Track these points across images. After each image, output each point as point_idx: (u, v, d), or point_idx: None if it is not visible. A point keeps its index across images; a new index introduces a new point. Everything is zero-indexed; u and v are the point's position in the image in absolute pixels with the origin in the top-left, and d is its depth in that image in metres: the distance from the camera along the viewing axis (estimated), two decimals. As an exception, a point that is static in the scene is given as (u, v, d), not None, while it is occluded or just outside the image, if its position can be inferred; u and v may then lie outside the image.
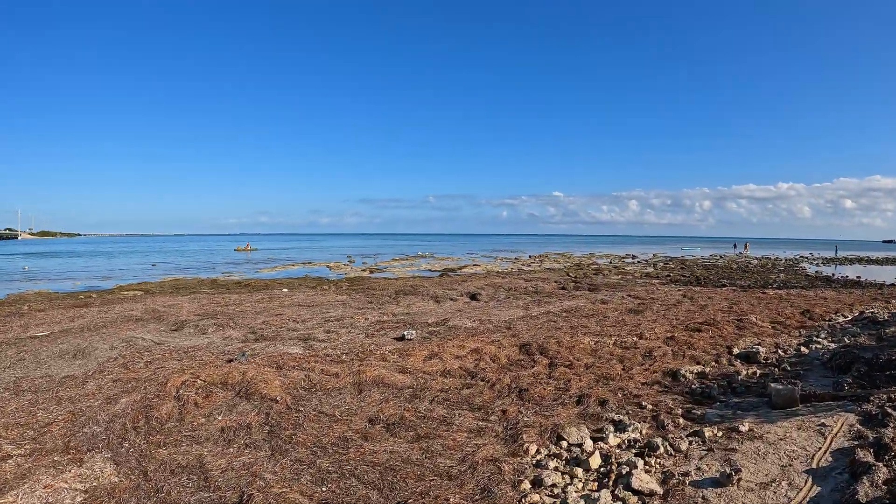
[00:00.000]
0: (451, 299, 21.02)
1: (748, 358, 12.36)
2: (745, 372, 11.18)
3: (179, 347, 11.77)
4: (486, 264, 49.11)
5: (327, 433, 6.91)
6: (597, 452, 7.28)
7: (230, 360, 10.31)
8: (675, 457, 7.10)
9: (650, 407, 9.17)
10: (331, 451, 6.35)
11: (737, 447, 7.19)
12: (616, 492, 6.21)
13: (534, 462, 7.16)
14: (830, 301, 20.95)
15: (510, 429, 8.21)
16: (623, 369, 11.59)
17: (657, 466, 6.85)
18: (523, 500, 6.16)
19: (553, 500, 6.23)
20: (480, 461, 6.84)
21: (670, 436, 7.81)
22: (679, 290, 25.29)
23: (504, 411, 8.83)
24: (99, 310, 17.21)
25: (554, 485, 6.53)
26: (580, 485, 6.54)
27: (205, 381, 8.53)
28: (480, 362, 11.09)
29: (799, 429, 7.71)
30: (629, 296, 22.91)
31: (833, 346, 12.97)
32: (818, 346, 13.07)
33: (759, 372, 11.19)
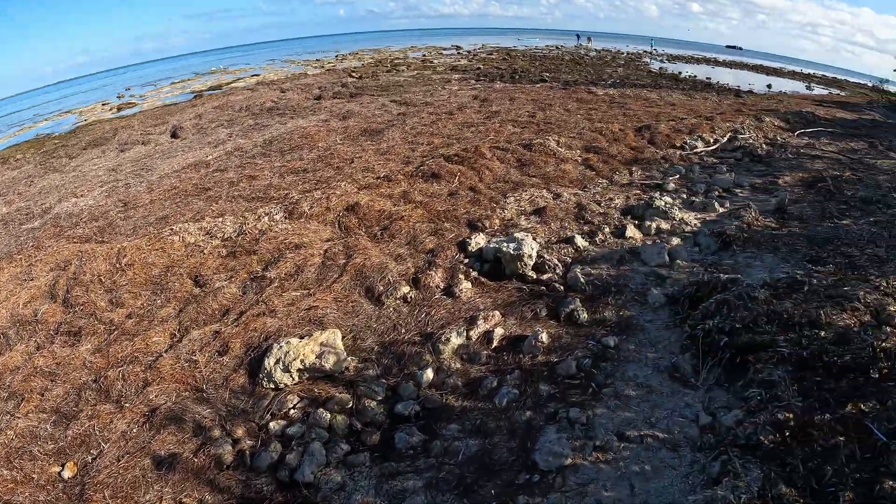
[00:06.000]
0: (142, 143, 17.86)
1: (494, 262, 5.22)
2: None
3: None
4: (272, 72, 43.33)
5: None
6: None
7: None
8: None
9: None
10: None
11: None
12: None
13: None
14: (680, 109, 16.09)
15: None
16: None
17: None
18: None
19: None
20: None
21: None
22: (474, 90, 20.59)
23: None
24: None
25: None
26: None
27: None
28: None
29: None
30: (393, 101, 18.81)
31: (697, 224, 6.23)
32: (662, 222, 6.16)
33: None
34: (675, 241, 5.97)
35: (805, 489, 2.95)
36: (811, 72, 50.92)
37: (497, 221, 6.66)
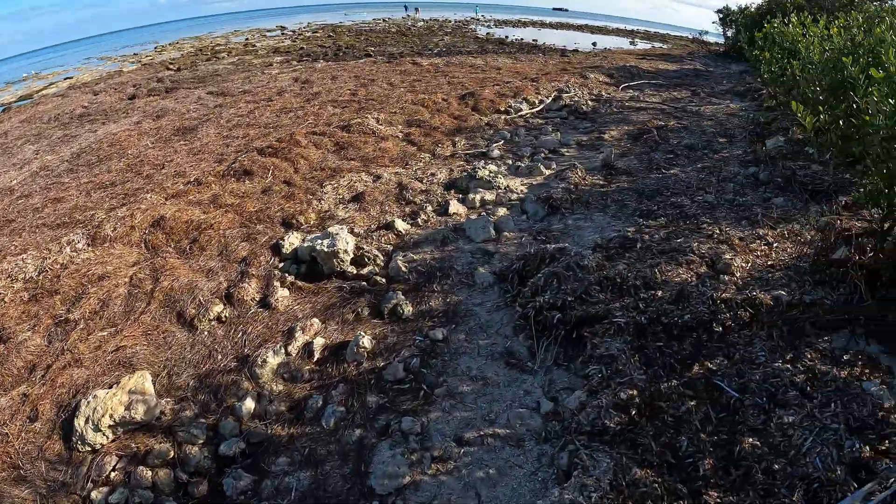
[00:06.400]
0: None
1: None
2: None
3: None
4: (87, 73, 38.76)
5: None
6: None
7: None
8: None
9: None
10: None
11: None
12: None
13: None
14: (506, 72, 16.22)
15: None
16: None
17: None
18: None
19: None
20: None
21: None
22: (295, 72, 19.82)
23: None
24: None
25: None
26: None
27: None
28: None
29: None
30: (210, 93, 17.65)
31: (524, 190, 6.08)
32: (486, 193, 5.98)
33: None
34: (502, 211, 5.76)
35: (661, 466, 2.74)
36: (635, 28, 54.30)
37: (313, 216, 6.09)
